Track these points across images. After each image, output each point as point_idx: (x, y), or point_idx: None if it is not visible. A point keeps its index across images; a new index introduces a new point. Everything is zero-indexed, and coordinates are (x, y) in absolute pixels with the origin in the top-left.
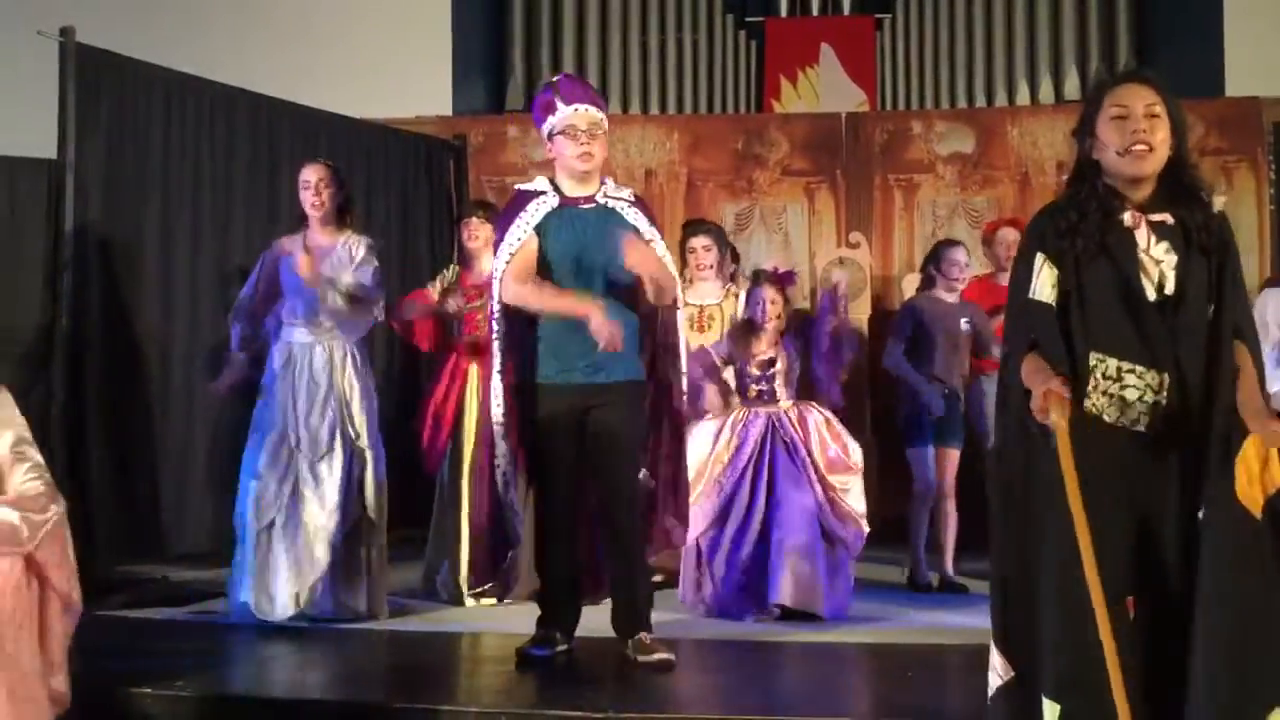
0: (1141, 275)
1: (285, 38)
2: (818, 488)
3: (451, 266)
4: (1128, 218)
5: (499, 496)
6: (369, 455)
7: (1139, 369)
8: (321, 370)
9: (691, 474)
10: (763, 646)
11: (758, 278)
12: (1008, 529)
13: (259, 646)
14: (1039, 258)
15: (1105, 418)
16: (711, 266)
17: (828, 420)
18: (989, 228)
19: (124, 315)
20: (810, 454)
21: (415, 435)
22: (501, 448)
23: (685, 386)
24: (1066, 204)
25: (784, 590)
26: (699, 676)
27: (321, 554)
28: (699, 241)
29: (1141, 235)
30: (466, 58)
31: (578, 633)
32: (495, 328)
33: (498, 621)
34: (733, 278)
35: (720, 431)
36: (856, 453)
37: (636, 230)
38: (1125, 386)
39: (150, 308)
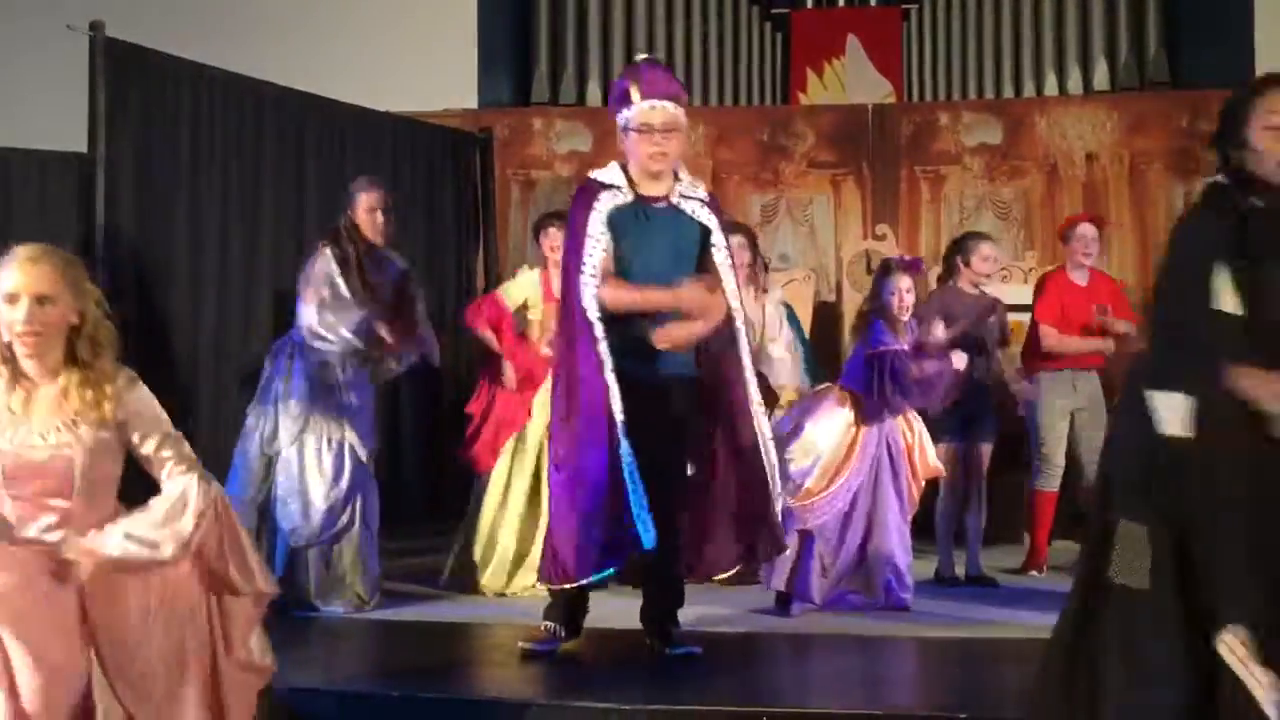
0: None
1: (311, 32)
2: (904, 498)
3: (526, 270)
4: None
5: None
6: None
7: None
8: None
9: (822, 468)
10: (791, 638)
11: (888, 267)
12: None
13: (287, 636)
14: (1222, 269)
15: (1275, 432)
16: (742, 267)
17: (924, 431)
18: (1066, 223)
19: (154, 308)
20: (911, 462)
21: (465, 437)
22: (625, 446)
23: (753, 392)
24: (1235, 214)
25: (880, 591)
26: (731, 669)
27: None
28: (734, 240)
29: None
30: (492, 51)
31: (596, 625)
32: (595, 327)
33: (517, 613)
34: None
35: (848, 426)
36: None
37: (705, 238)
38: None
39: (180, 301)
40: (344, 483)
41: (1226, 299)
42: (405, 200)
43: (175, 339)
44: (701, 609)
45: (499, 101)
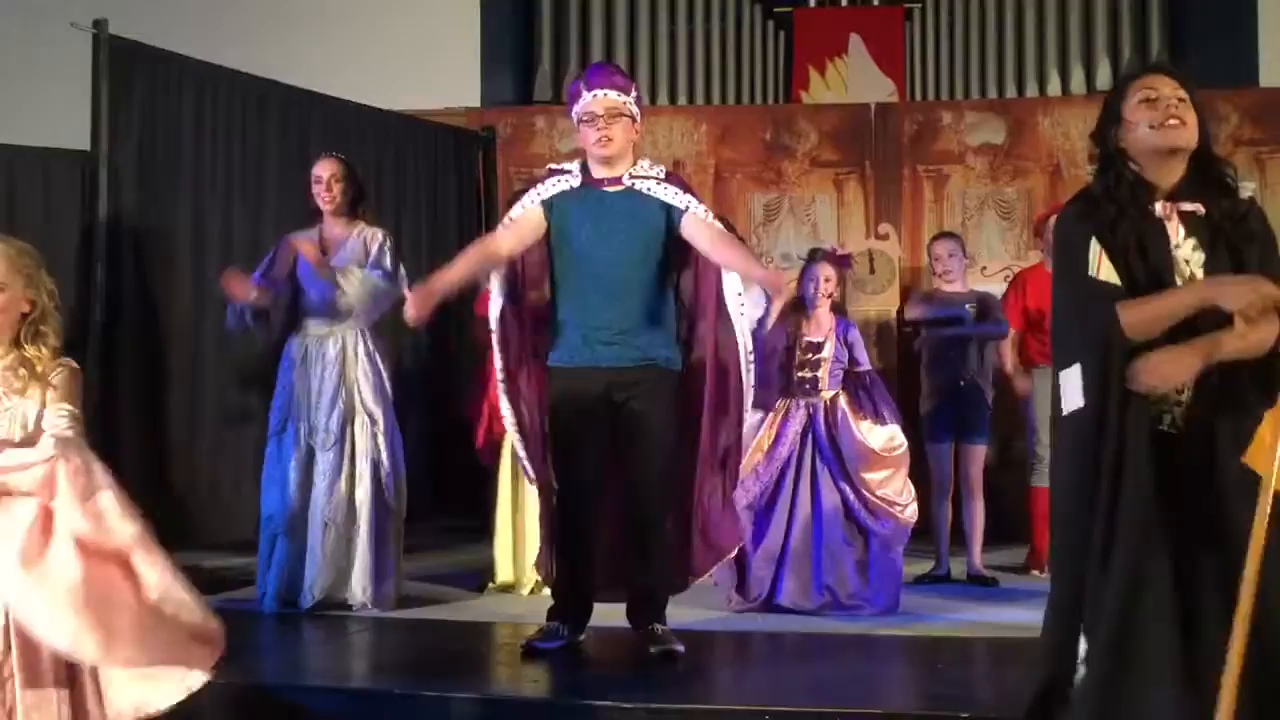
0: (1174, 274)
1: (314, 30)
2: (842, 483)
3: None
4: (1159, 208)
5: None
6: (383, 444)
7: None
8: (333, 362)
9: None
10: (792, 638)
11: (814, 255)
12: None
13: (291, 634)
14: (1094, 242)
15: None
16: None
17: (857, 410)
18: (1041, 216)
19: (157, 306)
20: (838, 447)
21: (469, 425)
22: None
23: (747, 373)
24: (1102, 195)
25: (825, 586)
26: (730, 668)
27: (333, 544)
28: None
29: (1172, 229)
30: (495, 49)
31: (600, 624)
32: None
33: (522, 611)
34: None
35: (762, 422)
36: (892, 441)
37: (667, 209)
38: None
39: (183, 299)
40: (308, 471)
41: (1103, 267)
42: (408, 198)
43: (178, 336)
44: (699, 610)
45: (502, 100)
